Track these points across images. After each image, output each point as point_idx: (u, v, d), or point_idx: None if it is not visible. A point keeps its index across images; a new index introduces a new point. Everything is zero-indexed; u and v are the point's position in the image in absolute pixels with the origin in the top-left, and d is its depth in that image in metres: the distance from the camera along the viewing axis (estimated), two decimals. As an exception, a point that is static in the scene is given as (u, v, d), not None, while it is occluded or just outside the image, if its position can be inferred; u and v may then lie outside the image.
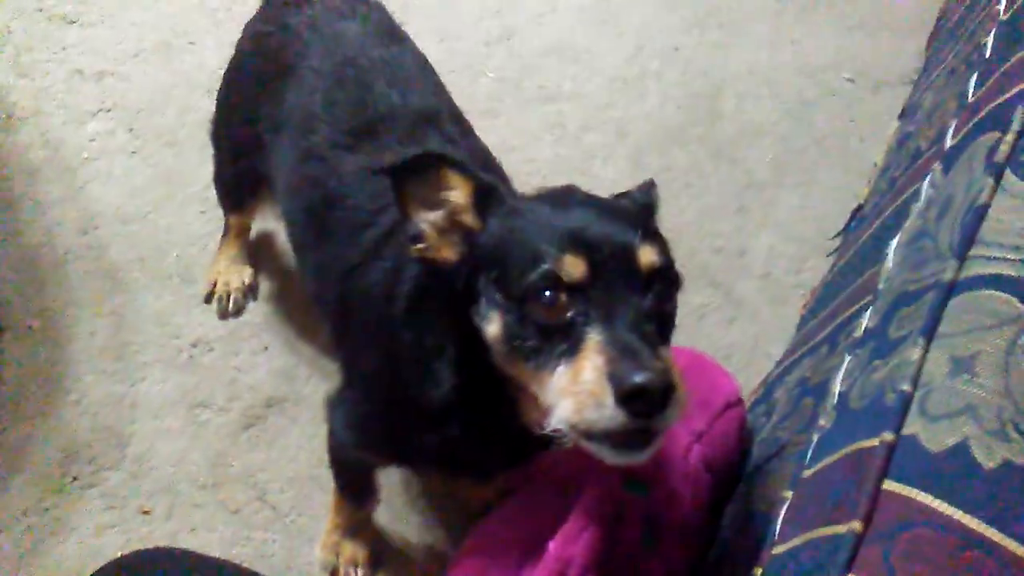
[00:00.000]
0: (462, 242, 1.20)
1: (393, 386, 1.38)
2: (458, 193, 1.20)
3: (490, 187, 1.21)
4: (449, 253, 1.20)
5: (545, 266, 1.08)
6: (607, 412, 1.00)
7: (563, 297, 1.07)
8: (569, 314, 1.07)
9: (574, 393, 1.04)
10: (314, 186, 1.60)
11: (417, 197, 1.20)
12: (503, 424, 1.26)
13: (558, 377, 1.07)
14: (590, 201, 1.21)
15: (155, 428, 2.00)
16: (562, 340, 1.07)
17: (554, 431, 1.08)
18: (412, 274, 1.33)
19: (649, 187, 1.37)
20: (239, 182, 2.03)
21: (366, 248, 1.46)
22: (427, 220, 1.21)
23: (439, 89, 1.76)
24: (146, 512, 1.90)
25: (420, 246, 1.21)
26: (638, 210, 1.27)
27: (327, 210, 1.56)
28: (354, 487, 1.78)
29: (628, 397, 0.99)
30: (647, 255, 1.11)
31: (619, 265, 1.09)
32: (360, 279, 1.45)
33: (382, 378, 1.42)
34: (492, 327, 1.14)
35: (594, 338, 1.04)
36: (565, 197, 1.22)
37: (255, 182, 1.93)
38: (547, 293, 1.07)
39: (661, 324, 1.12)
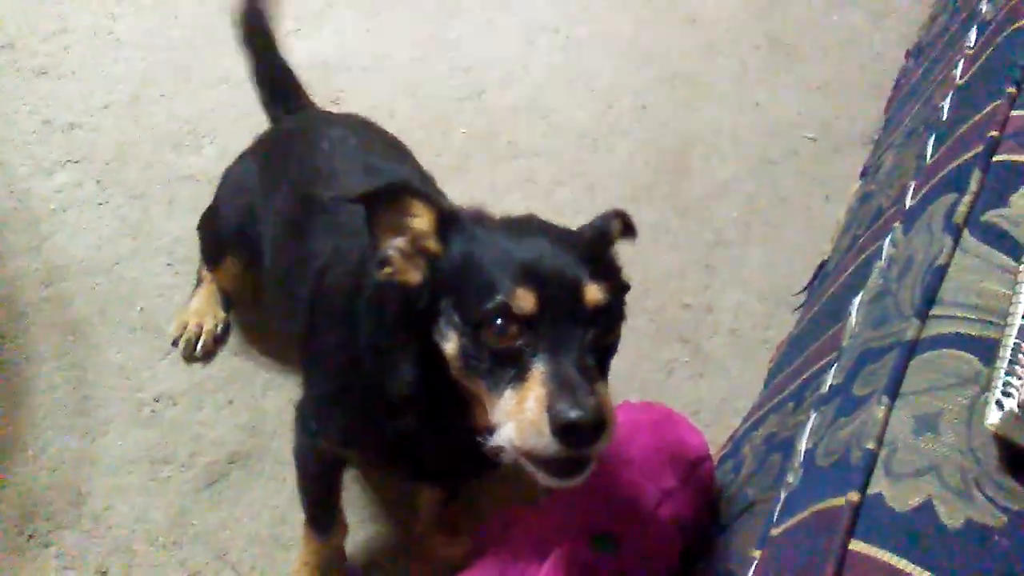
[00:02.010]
0: (425, 266, 1.27)
1: (353, 372, 1.46)
2: (421, 220, 1.28)
3: (452, 214, 1.29)
4: (413, 276, 1.28)
5: (499, 297, 1.17)
6: (544, 441, 1.11)
7: (514, 327, 1.16)
8: (519, 343, 1.16)
9: (518, 420, 1.13)
10: (305, 196, 1.76)
11: (385, 224, 1.28)
12: (456, 423, 1.33)
13: (505, 400, 1.16)
14: (546, 232, 1.28)
15: (115, 485, 1.95)
16: (511, 366, 1.16)
17: (496, 447, 1.17)
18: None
19: (611, 217, 1.42)
20: (226, 238, 2.13)
21: (338, 248, 1.59)
22: (394, 246, 1.28)
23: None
24: (103, 573, 1.84)
25: (388, 270, 1.28)
26: (592, 242, 1.34)
27: (306, 217, 1.71)
28: (319, 507, 1.78)
29: (563, 430, 1.09)
30: (593, 293, 1.19)
31: (567, 301, 1.18)
32: (331, 275, 1.57)
33: (343, 363, 1.50)
34: (450, 345, 1.23)
35: (539, 369, 1.14)
36: (523, 226, 1.31)
37: (240, 243, 2.05)
38: (499, 322, 1.17)
39: (602, 354, 1.22)
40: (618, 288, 1.29)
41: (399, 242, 1.28)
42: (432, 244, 1.27)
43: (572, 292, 1.18)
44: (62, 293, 2.23)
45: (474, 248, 1.24)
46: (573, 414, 1.08)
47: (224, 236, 2.12)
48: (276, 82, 2.21)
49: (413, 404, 1.36)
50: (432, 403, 1.35)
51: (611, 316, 1.23)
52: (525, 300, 1.16)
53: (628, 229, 1.46)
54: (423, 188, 1.38)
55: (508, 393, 1.16)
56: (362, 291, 1.43)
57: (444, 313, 1.24)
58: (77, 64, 2.76)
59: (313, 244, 1.66)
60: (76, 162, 2.50)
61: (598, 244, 1.36)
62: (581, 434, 1.10)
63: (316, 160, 1.83)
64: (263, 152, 2.08)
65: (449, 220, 1.28)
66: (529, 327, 1.16)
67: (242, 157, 2.16)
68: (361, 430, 1.51)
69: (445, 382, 1.28)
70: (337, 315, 1.52)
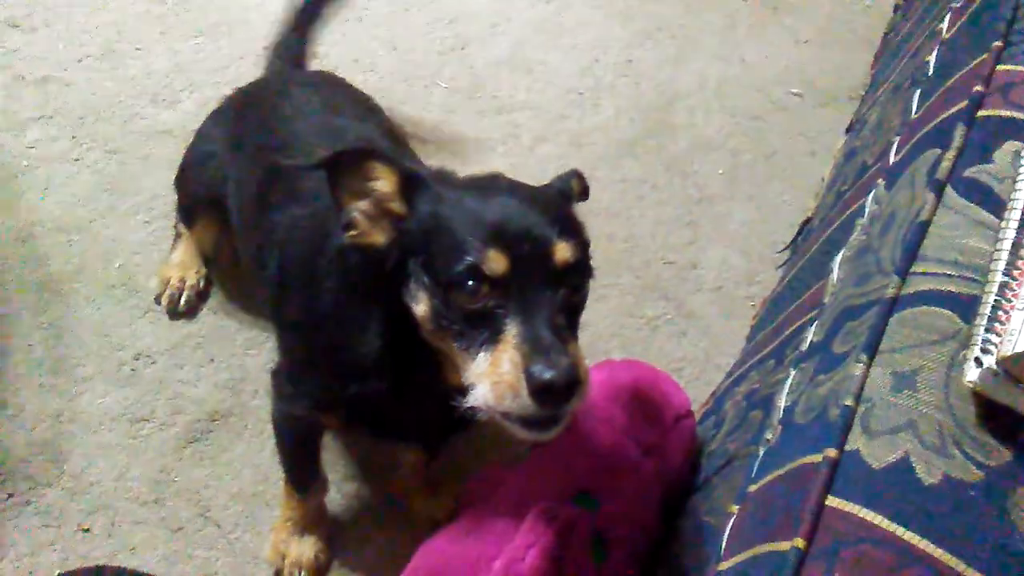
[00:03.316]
0: (391, 227, 1.28)
1: (321, 337, 1.47)
2: (384, 183, 1.28)
3: (415, 175, 1.29)
4: (378, 238, 1.28)
5: (469, 259, 1.17)
6: (521, 402, 1.13)
7: (485, 288, 1.17)
8: (490, 303, 1.17)
9: (493, 382, 1.15)
10: (269, 151, 1.76)
11: (348, 187, 1.28)
12: (426, 383, 1.35)
13: (479, 362, 1.18)
14: (513, 191, 1.29)
15: (95, 443, 1.94)
16: (484, 327, 1.17)
17: (471, 408, 1.19)
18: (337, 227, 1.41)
19: (570, 176, 1.44)
20: (197, 202, 2.12)
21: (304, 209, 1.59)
22: (358, 209, 1.28)
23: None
24: (85, 530, 1.84)
25: (352, 233, 1.29)
26: (557, 200, 1.35)
27: (276, 171, 1.69)
28: (299, 468, 1.79)
29: (539, 391, 1.11)
30: (562, 252, 1.19)
31: (537, 261, 1.18)
32: (293, 244, 1.58)
33: (310, 329, 1.52)
34: (420, 307, 1.24)
35: (512, 331, 1.15)
36: (489, 185, 1.32)
37: (212, 207, 2.05)
38: (470, 283, 1.17)
39: (571, 311, 1.24)
40: (584, 245, 1.30)
41: (363, 205, 1.28)
42: (396, 206, 1.28)
43: (542, 251, 1.19)
44: (37, 250, 2.20)
45: (441, 208, 1.24)
46: (548, 375, 1.10)
47: (195, 200, 2.11)
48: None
49: (382, 366, 1.37)
50: (401, 365, 1.36)
51: (580, 274, 1.24)
52: (496, 261, 1.16)
53: (584, 191, 1.47)
54: (385, 149, 1.40)
55: (482, 355, 1.17)
56: (324, 255, 1.43)
57: (413, 274, 1.24)
58: (50, 16, 2.69)
59: (275, 215, 1.65)
60: (50, 117, 2.45)
61: (562, 202, 1.36)
62: (556, 394, 1.11)
63: (277, 124, 1.81)
64: (228, 115, 2.06)
65: (413, 181, 1.28)
66: (500, 288, 1.17)
67: (210, 118, 2.14)
68: (333, 394, 1.50)
69: (413, 343, 1.29)
70: (301, 281, 1.53)
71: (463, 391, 1.20)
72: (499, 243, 1.17)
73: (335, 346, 1.44)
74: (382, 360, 1.36)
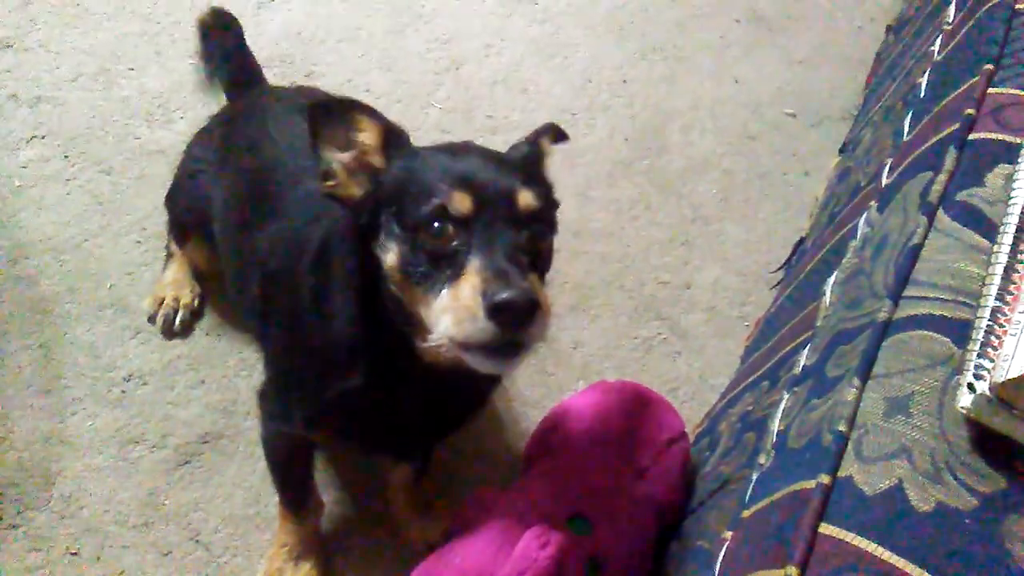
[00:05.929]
0: (368, 180, 1.33)
1: (302, 341, 1.51)
2: (367, 135, 1.34)
3: (397, 132, 1.36)
4: (355, 190, 1.34)
5: (436, 200, 1.23)
6: (479, 324, 1.15)
7: (450, 228, 1.22)
8: (455, 243, 1.22)
9: (453, 309, 1.19)
10: (252, 172, 1.80)
11: (331, 138, 1.33)
12: (405, 370, 1.39)
13: (441, 298, 1.21)
14: (482, 151, 1.37)
15: (85, 466, 1.93)
16: (448, 267, 1.22)
17: (436, 345, 1.22)
18: (318, 233, 1.49)
19: (543, 132, 1.53)
20: (186, 221, 2.13)
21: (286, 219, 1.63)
22: (338, 160, 1.34)
23: None
24: (74, 554, 1.82)
25: (330, 183, 1.34)
26: (524, 159, 1.44)
27: (259, 191, 1.74)
28: (292, 488, 1.78)
29: (496, 310, 1.14)
30: (525, 198, 1.26)
31: (500, 204, 1.24)
32: (274, 259, 1.61)
33: (292, 335, 1.56)
34: (390, 256, 1.28)
35: (473, 263, 1.20)
36: (461, 147, 1.39)
37: (201, 225, 2.04)
38: (436, 224, 1.22)
39: (537, 260, 1.29)
40: (550, 200, 1.37)
41: (343, 157, 1.33)
42: (376, 159, 1.33)
43: (506, 196, 1.25)
44: (29, 271, 2.18)
45: (415, 163, 1.31)
46: (505, 294, 1.13)
47: (185, 218, 2.11)
48: (243, 69, 2.31)
49: (356, 352, 1.40)
50: (376, 351, 1.39)
51: (543, 221, 1.30)
52: (461, 202, 1.22)
53: (560, 135, 1.57)
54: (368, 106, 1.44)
55: (444, 291, 1.21)
56: (304, 255, 1.49)
57: (385, 227, 1.29)
58: (44, 36, 2.69)
59: (259, 235, 1.67)
60: (43, 137, 2.44)
61: (530, 160, 1.45)
62: (514, 314, 1.14)
63: (260, 141, 1.82)
64: (214, 132, 2.07)
65: (394, 137, 1.34)
66: (465, 228, 1.22)
67: (197, 137, 2.15)
68: (320, 403, 1.51)
69: (385, 325, 1.33)
70: (283, 290, 1.57)
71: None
72: (465, 186, 1.23)
73: (314, 343, 1.47)
74: (356, 344, 1.40)
